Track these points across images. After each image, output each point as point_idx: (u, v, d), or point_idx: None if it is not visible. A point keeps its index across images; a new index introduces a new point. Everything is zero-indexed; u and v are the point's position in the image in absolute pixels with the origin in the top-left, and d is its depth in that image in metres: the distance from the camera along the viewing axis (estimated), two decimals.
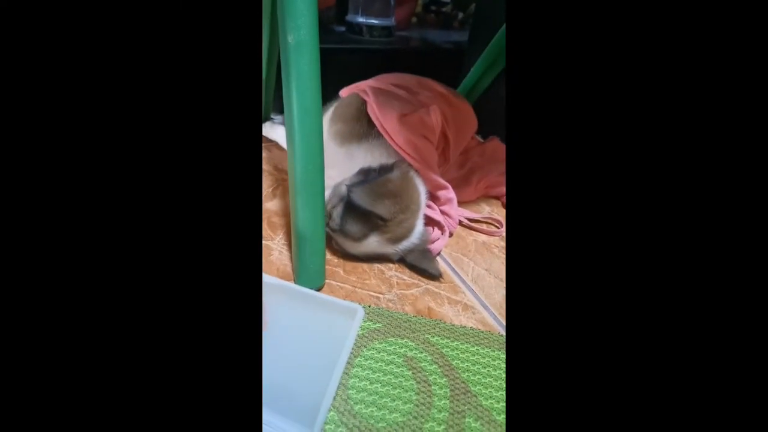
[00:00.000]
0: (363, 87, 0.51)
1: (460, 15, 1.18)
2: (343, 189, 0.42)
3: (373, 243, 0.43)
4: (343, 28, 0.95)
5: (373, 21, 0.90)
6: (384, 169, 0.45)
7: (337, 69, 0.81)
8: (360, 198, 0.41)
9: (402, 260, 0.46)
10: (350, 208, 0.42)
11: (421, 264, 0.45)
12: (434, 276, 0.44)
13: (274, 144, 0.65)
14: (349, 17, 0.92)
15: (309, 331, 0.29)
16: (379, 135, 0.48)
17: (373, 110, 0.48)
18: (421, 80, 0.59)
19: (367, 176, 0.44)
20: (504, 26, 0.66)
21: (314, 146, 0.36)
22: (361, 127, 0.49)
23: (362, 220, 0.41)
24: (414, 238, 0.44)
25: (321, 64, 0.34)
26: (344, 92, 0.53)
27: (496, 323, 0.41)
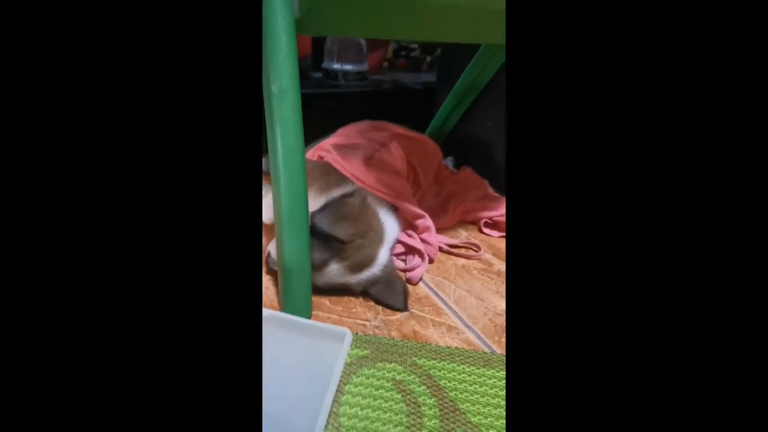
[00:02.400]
0: (324, 147, 0.55)
1: (428, 58, 1.28)
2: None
3: (333, 271, 0.44)
4: (320, 75, 1.02)
5: (348, 67, 0.97)
6: (345, 196, 0.47)
7: (316, 112, 0.86)
8: (321, 221, 0.42)
9: (366, 293, 0.46)
10: (311, 234, 0.43)
11: (386, 298, 0.45)
12: (399, 309, 0.45)
13: None
14: (326, 64, 0.99)
15: (298, 358, 0.30)
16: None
17: (339, 163, 0.51)
18: (375, 124, 0.64)
19: (329, 203, 0.46)
20: (467, 69, 0.73)
21: (298, 183, 0.39)
22: (337, 175, 0.52)
23: (322, 247, 0.43)
24: (375, 269, 0.45)
25: (301, 108, 0.38)
26: (309, 154, 0.57)
27: (480, 341, 0.42)
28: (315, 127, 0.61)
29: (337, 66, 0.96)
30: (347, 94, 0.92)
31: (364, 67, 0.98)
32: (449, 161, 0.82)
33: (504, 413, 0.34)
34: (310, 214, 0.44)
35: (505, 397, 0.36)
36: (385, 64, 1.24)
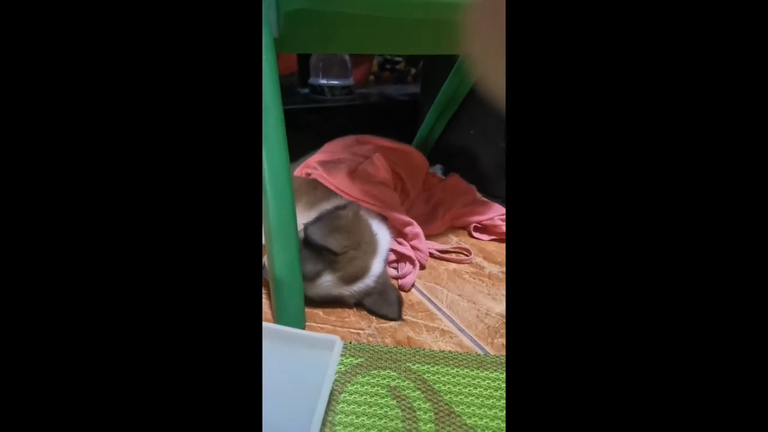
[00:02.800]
0: (311, 164, 0.56)
1: (413, 70, 1.31)
2: (300, 233, 0.45)
3: (326, 283, 0.44)
4: (307, 90, 1.04)
5: (334, 82, 0.99)
6: (338, 208, 0.48)
7: (305, 127, 0.87)
8: (313, 233, 0.43)
9: (360, 304, 0.46)
10: (305, 246, 0.44)
11: (379, 309, 0.45)
12: (394, 319, 0.45)
13: None
14: (312, 80, 1.01)
15: (289, 368, 0.30)
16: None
17: (324, 178, 0.53)
18: (360, 138, 0.66)
19: (322, 215, 0.47)
20: (447, 80, 0.76)
21: (285, 196, 0.39)
22: (325, 189, 0.53)
23: (314, 258, 0.43)
24: (369, 280, 0.45)
25: (289, 124, 0.39)
26: (297, 172, 0.58)
27: (473, 344, 0.43)
28: (304, 142, 0.62)
29: (323, 81, 0.98)
30: (334, 109, 0.93)
31: (349, 81, 1.00)
32: (438, 169, 0.84)
33: (499, 413, 0.34)
34: (303, 226, 0.45)
35: (499, 398, 0.36)
36: (371, 77, 1.26)
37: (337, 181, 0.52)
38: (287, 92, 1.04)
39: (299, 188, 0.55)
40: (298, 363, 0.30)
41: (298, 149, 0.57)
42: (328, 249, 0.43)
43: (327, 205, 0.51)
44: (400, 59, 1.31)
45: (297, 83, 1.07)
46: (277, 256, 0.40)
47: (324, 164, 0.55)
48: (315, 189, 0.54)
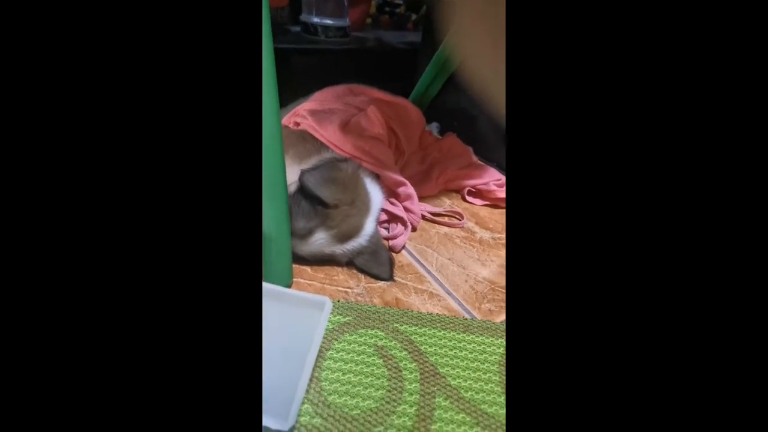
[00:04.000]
0: (300, 112, 0.52)
1: (413, 17, 1.21)
2: (293, 187, 0.43)
3: (319, 240, 0.43)
4: (298, 28, 0.95)
5: (328, 21, 0.90)
6: (338, 160, 0.46)
7: (295, 70, 0.81)
8: (308, 180, 0.41)
9: (351, 263, 0.46)
10: (296, 200, 0.42)
11: (371, 269, 0.45)
12: (385, 279, 0.45)
13: None
14: (304, 17, 0.92)
15: (279, 327, 0.29)
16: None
17: (314, 129, 0.49)
18: (353, 88, 0.61)
19: (320, 164, 0.45)
20: (447, 36, 0.69)
21: (274, 147, 0.36)
22: (315, 142, 0.50)
23: (308, 214, 0.42)
24: (362, 239, 0.44)
25: (278, 64, 0.34)
26: (284, 120, 0.54)
27: (461, 308, 0.43)
28: (293, 86, 0.57)
29: (316, 20, 0.90)
30: (327, 51, 0.86)
31: (345, 22, 0.92)
32: (434, 127, 0.80)
33: (482, 376, 0.35)
34: (300, 172, 0.42)
35: (483, 361, 0.37)
36: (369, 19, 1.16)
37: (328, 133, 0.49)
38: (276, 28, 0.95)
39: (287, 139, 0.51)
40: (288, 322, 0.29)
41: (286, 93, 0.52)
42: (320, 199, 0.41)
43: (317, 158, 0.48)
44: (400, 2, 1.20)
45: (288, 19, 0.97)
46: (264, 210, 0.38)
47: (314, 114, 0.51)
48: (304, 141, 0.50)
